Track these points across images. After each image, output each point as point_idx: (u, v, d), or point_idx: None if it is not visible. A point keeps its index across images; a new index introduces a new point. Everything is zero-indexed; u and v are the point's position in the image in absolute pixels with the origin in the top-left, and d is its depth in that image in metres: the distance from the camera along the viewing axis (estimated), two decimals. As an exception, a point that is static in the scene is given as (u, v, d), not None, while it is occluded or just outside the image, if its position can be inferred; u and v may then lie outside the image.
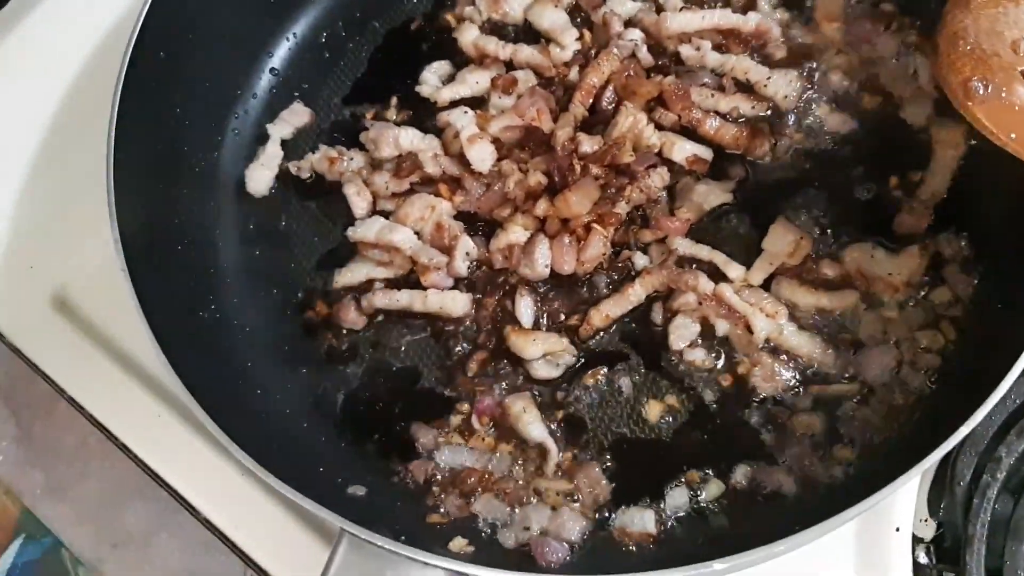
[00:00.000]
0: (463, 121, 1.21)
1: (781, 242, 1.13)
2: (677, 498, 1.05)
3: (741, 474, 1.06)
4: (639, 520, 1.04)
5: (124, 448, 1.20)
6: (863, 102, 1.21)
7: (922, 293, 1.10)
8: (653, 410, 1.11)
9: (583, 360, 1.14)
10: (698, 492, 1.06)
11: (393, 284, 1.20)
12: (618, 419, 1.11)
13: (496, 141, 1.21)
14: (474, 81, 1.28)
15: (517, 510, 1.06)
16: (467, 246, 1.17)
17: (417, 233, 1.20)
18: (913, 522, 1.08)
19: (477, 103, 1.28)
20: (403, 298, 1.17)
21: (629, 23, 1.29)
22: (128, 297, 1.03)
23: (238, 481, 1.14)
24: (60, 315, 1.30)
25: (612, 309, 1.14)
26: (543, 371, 1.13)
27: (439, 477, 1.09)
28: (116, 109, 1.12)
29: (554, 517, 1.05)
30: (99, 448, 1.22)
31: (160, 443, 1.20)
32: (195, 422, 1.04)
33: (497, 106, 1.26)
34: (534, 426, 1.09)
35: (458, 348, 1.16)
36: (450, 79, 1.31)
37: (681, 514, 1.05)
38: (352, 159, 1.25)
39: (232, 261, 1.25)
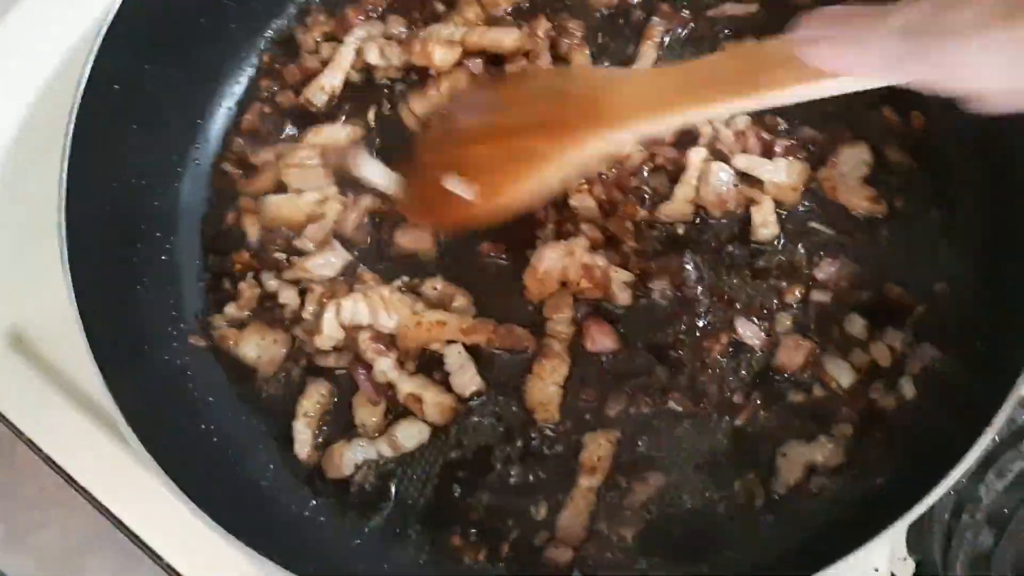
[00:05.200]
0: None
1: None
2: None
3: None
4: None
5: (86, 493, 1.16)
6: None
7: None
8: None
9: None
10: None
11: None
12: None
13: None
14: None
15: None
16: None
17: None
18: (891, 560, 1.08)
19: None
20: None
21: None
22: (83, 349, 0.99)
23: (204, 529, 1.10)
24: (17, 353, 1.25)
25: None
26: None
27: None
28: (69, 146, 1.07)
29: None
30: (60, 494, 1.18)
31: (123, 489, 1.15)
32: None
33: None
34: None
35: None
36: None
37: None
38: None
39: (194, 302, 1.21)
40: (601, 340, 1.11)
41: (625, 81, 0.99)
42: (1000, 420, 0.89)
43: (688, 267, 1.11)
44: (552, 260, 1.11)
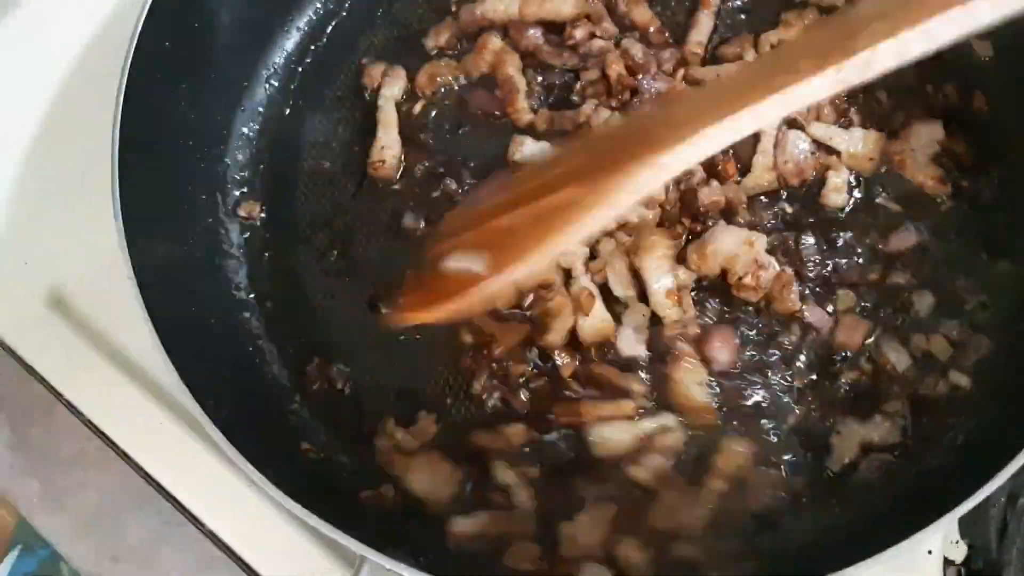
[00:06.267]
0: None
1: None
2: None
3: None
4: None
5: (125, 456, 1.15)
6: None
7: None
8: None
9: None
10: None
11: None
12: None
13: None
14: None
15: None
16: None
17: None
18: (944, 543, 1.06)
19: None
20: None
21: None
22: (136, 305, 0.97)
23: (245, 492, 1.09)
24: (57, 314, 1.24)
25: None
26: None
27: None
28: (121, 101, 1.05)
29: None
30: (99, 456, 1.17)
31: (162, 451, 1.15)
32: (200, 429, 1.01)
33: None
34: None
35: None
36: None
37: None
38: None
39: (240, 264, 1.20)
40: (718, 355, 1.06)
41: (687, 94, 0.91)
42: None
43: (809, 242, 1.09)
44: (727, 243, 1.06)
